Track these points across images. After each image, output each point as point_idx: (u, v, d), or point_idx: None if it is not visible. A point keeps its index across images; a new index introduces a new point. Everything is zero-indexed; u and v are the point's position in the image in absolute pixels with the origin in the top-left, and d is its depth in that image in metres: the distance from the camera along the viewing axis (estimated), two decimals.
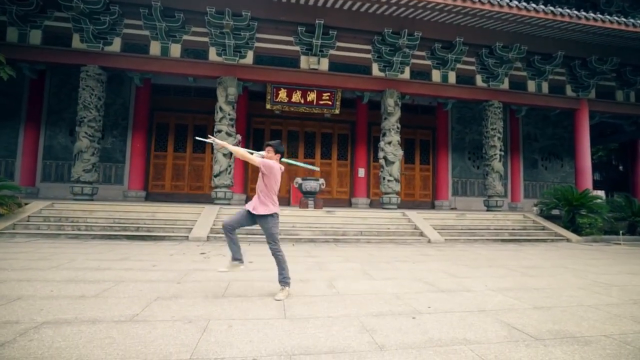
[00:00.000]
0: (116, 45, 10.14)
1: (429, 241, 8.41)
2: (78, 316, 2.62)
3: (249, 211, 3.34)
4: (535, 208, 12.02)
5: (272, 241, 3.33)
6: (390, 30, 10.58)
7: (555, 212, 11.02)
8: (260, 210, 3.29)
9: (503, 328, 2.61)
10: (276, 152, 3.43)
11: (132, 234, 7.35)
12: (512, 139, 15.07)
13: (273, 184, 3.35)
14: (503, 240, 9.06)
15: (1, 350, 2.00)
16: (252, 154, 3.47)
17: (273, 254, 3.34)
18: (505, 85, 12.19)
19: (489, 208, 11.86)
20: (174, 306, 2.92)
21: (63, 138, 12.03)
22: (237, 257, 3.38)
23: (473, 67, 12.04)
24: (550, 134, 15.56)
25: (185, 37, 10.44)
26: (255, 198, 3.38)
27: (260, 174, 3.37)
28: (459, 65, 11.79)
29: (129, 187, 12.18)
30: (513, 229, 9.88)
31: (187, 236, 7.46)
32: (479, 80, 12.11)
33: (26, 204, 8.34)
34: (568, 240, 9.45)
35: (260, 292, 3.40)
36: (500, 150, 11.83)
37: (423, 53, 11.59)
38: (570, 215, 10.28)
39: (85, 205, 8.66)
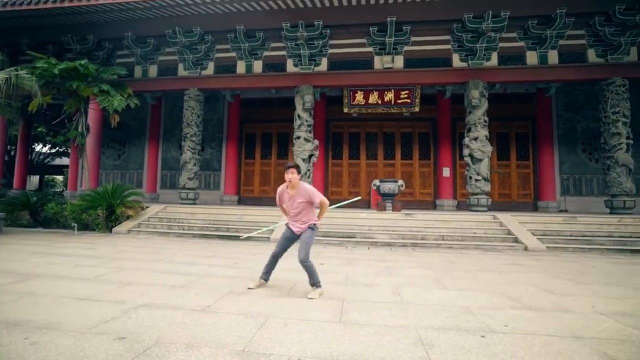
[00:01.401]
0: (210, 69, 11.68)
1: (525, 248, 7.28)
2: (166, 302, 3.10)
3: (293, 232, 3.66)
4: None
5: (304, 252, 3.49)
6: (471, 15, 9.60)
7: None
8: (304, 227, 3.60)
9: None
10: (298, 170, 3.59)
11: (223, 234, 8.32)
12: None
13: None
14: (633, 252, 7.24)
15: (110, 323, 2.55)
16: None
17: (302, 266, 3.52)
18: (632, 56, 9.77)
19: (612, 210, 9.66)
20: (242, 302, 3.20)
21: (174, 151, 14.37)
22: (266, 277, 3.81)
23: (582, 41, 10.00)
24: None
25: (265, 53, 11.38)
26: (296, 223, 3.62)
27: (304, 201, 3.55)
28: (561, 42, 9.94)
29: (225, 192, 13.81)
30: None
31: (269, 237, 8.06)
32: (591, 55, 10.00)
33: (147, 207, 10.23)
34: None
35: (322, 295, 3.46)
36: (627, 137, 9.53)
37: (513, 34, 10.14)
38: None
39: (189, 208, 10.16)
